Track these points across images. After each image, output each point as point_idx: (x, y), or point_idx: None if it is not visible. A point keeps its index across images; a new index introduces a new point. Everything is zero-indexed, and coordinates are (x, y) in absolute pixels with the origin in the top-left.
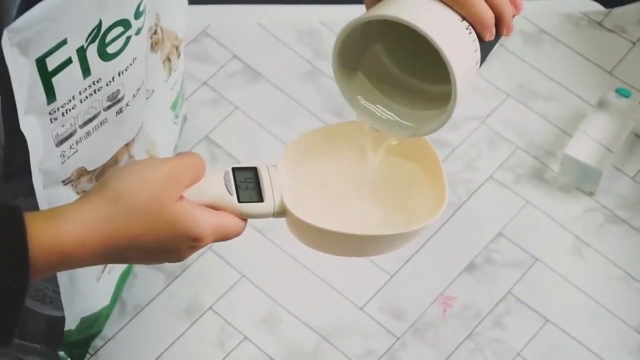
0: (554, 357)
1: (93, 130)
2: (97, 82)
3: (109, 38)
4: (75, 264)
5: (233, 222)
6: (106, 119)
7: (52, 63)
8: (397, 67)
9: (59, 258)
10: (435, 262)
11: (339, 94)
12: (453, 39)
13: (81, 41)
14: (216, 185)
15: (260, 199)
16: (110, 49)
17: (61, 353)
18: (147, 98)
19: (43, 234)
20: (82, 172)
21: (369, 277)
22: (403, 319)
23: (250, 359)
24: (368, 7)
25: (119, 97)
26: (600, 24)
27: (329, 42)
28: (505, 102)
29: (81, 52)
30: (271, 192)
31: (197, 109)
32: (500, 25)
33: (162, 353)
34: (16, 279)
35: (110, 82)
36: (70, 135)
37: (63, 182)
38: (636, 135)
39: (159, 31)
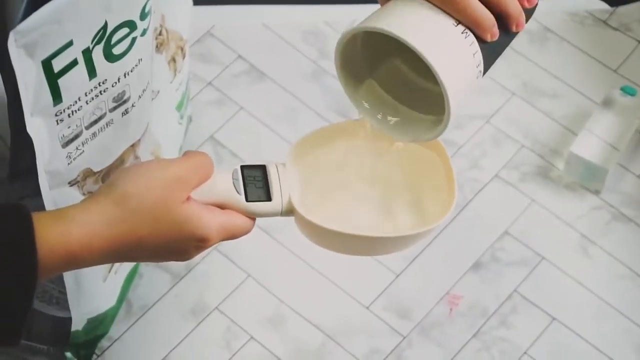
0: (561, 356)
1: (99, 132)
2: (103, 83)
3: (114, 39)
4: (82, 265)
5: (241, 221)
6: (112, 120)
7: (58, 65)
8: (405, 67)
9: (66, 259)
10: (441, 261)
11: (343, 94)
12: (443, 46)
13: (87, 42)
14: (224, 184)
15: (268, 197)
16: (116, 50)
17: (68, 354)
18: (152, 99)
19: (51, 235)
20: (88, 173)
21: (375, 276)
22: (409, 318)
23: (256, 359)
24: (382, 4)
25: (125, 98)
26: (605, 22)
27: (334, 42)
28: (510, 101)
29: (87, 53)
30: (279, 191)
31: (202, 109)
32: (508, 22)
33: (168, 353)
34: (24, 279)
35: (116, 83)
36: (76, 136)
37: (69, 183)
38: None
39: (164, 32)
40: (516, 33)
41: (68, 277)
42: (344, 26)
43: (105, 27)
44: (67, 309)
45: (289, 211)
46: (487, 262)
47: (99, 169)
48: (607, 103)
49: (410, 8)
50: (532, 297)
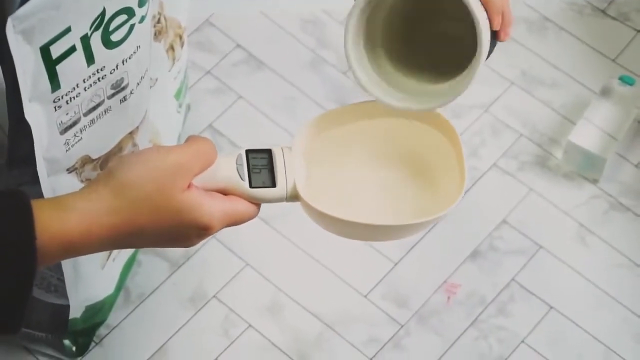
0: (558, 344)
1: (97, 118)
2: (101, 70)
3: (112, 26)
4: (80, 252)
5: (244, 207)
6: (110, 107)
7: (56, 51)
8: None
9: (65, 246)
10: (439, 249)
11: (342, 82)
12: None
13: (85, 29)
14: (227, 170)
15: (272, 183)
16: (114, 37)
17: (66, 341)
18: (150, 87)
19: (50, 222)
20: (86, 160)
21: (373, 265)
22: (407, 306)
23: (254, 347)
24: None
25: (123, 85)
26: (604, 11)
27: (333, 31)
28: (509, 90)
29: (85, 40)
30: (284, 176)
31: (201, 98)
32: (502, 32)
33: (166, 341)
34: (24, 266)
35: (114, 70)
36: (75, 123)
37: (67, 170)
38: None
39: (162, 20)
40: (494, 46)
41: (66, 264)
42: (343, 15)
43: (103, 13)
44: (65, 296)
45: (294, 197)
46: (485, 251)
47: (97, 156)
48: (605, 92)
49: None
50: (529, 286)
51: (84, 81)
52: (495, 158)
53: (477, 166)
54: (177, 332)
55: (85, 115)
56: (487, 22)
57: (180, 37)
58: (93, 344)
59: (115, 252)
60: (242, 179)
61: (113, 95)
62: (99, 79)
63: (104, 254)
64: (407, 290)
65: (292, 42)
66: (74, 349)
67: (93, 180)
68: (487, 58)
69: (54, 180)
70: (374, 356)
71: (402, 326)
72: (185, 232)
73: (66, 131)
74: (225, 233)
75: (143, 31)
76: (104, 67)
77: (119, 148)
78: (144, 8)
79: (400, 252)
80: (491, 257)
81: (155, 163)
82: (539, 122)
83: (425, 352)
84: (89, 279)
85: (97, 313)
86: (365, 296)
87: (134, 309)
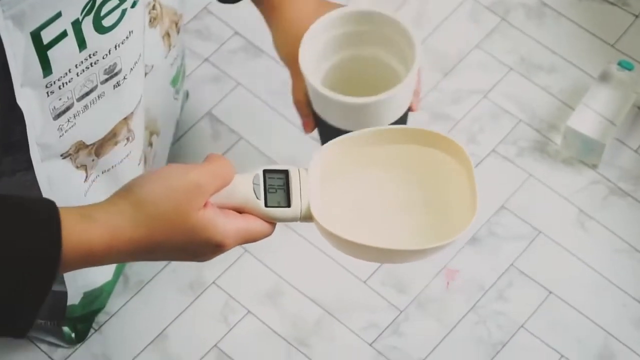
0: (557, 329)
1: (91, 104)
2: (94, 55)
3: (104, 11)
4: (98, 263)
5: (259, 226)
6: (103, 92)
7: (47, 36)
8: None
9: (86, 257)
10: None
11: None
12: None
13: (76, 14)
14: (244, 189)
15: (287, 204)
16: (106, 22)
17: (65, 328)
18: (146, 73)
19: (75, 232)
20: (80, 146)
21: None
22: (406, 292)
23: (254, 333)
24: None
25: (116, 70)
26: None
27: None
28: (507, 76)
29: (76, 25)
30: (299, 197)
31: (199, 86)
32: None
33: (165, 328)
34: (45, 272)
35: (106, 55)
36: (68, 108)
37: (61, 155)
38: (639, 107)
39: (157, 6)
40: (404, 116)
41: None
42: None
43: None
44: (63, 283)
45: (308, 218)
46: (484, 237)
47: (91, 142)
48: (604, 77)
49: None
50: (529, 271)
51: (76, 66)
52: (494, 144)
53: (476, 152)
54: (176, 318)
55: (78, 100)
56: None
57: (176, 24)
58: (92, 330)
59: None
60: (257, 198)
61: (106, 80)
62: (91, 64)
63: None
64: (407, 276)
65: None
66: (73, 335)
67: (112, 195)
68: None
69: (48, 165)
70: (374, 342)
71: (401, 312)
72: (199, 249)
73: (59, 117)
74: None
75: (135, 16)
76: (96, 52)
77: (113, 134)
78: None
79: None
80: (490, 242)
81: (173, 182)
82: (538, 107)
83: (424, 337)
84: None
85: (96, 300)
86: (365, 282)
87: (133, 296)
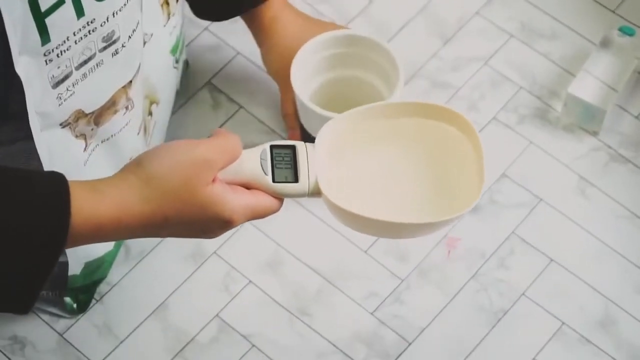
0: (559, 297)
1: (89, 72)
2: (91, 22)
3: None
4: (106, 238)
5: (267, 201)
6: (102, 60)
7: (44, 3)
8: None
9: (95, 230)
10: None
11: None
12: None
13: None
14: (251, 165)
15: (295, 179)
16: None
17: (67, 299)
18: (145, 42)
19: (84, 205)
20: (79, 115)
21: None
22: (407, 261)
23: (255, 303)
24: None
25: (114, 38)
26: None
27: None
28: (508, 43)
29: None
30: (307, 172)
31: (198, 55)
32: None
33: (167, 297)
34: (52, 244)
35: (104, 22)
36: (66, 77)
37: (61, 124)
38: (639, 73)
39: None
40: None
41: None
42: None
43: None
44: (65, 252)
45: (316, 193)
46: (485, 205)
47: (90, 110)
48: (605, 44)
49: None
50: (530, 239)
51: (74, 34)
52: (495, 111)
53: (477, 120)
54: (177, 288)
55: (77, 69)
56: None
57: None
58: (94, 301)
59: None
60: (265, 173)
61: (104, 48)
62: (89, 31)
63: None
64: (408, 245)
65: None
66: (74, 306)
67: (122, 169)
68: None
69: (48, 135)
70: (375, 310)
71: (402, 280)
72: (208, 224)
73: (58, 85)
74: None
75: None
76: (94, 19)
77: (112, 102)
78: None
79: None
80: (491, 210)
81: (182, 157)
82: (539, 74)
83: (426, 305)
84: None
85: (97, 270)
86: (366, 251)
87: (134, 266)
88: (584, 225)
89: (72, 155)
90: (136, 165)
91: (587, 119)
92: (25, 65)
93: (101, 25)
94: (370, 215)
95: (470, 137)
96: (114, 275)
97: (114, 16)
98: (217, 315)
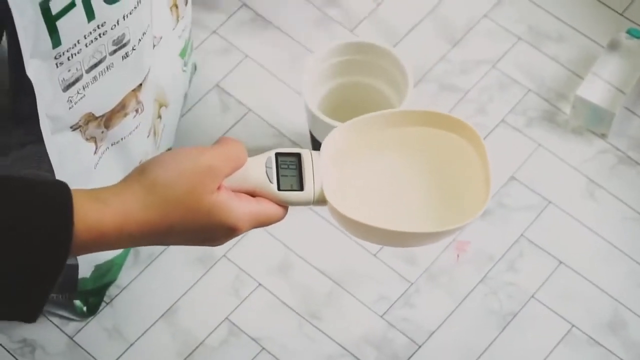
0: (568, 299)
1: (99, 75)
2: (102, 25)
3: None
4: (109, 247)
5: (272, 209)
6: (112, 63)
7: (55, 7)
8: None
9: (98, 239)
10: None
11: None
12: None
13: None
14: (256, 172)
15: (300, 187)
16: None
17: (77, 302)
18: (154, 45)
19: (87, 214)
20: (90, 118)
21: None
22: (417, 264)
23: (265, 306)
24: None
25: (125, 41)
26: None
27: None
28: (516, 45)
29: None
30: (312, 180)
31: (207, 58)
32: None
33: (177, 301)
34: (57, 253)
35: (115, 25)
36: (77, 80)
37: (71, 127)
38: None
39: None
40: None
41: None
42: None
43: None
44: (74, 256)
45: (321, 201)
46: (493, 208)
47: (101, 113)
48: (613, 46)
49: None
50: (539, 242)
51: (85, 37)
52: (503, 114)
53: (485, 123)
54: (187, 291)
55: (87, 72)
56: None
57: None
58: (104, 304)
59: None
60: (270, 181)
61: (115, 51)
62: (100, 35)
63: None
64: (416, 249)
65: (299, 0)
66: (84, 309)
67: (125, 177)
68: None
69: (58, 138)
70: (384, 313)
71: (411, 284)
72: (213, 232)
73: (69, 88)
74: None
75: None
76: (105, 22)
77: (122, 105)
78: None
79: None
80: (500, 213)
81: (187, 164)
82: (547, 77)
83: (435, 309)
84: None
85: (107, 273)
86: (375, 255)
87: (144, 269)
88: (593, 227)
89: (83, 159)
90: (140, 173)
91: (595, 122)
92: (36, 68)
93: (111, 29)
94: (376, 224)
95: (475, 146)
96: (123, 278)
97: (124, 19)
98: (226, 318)
